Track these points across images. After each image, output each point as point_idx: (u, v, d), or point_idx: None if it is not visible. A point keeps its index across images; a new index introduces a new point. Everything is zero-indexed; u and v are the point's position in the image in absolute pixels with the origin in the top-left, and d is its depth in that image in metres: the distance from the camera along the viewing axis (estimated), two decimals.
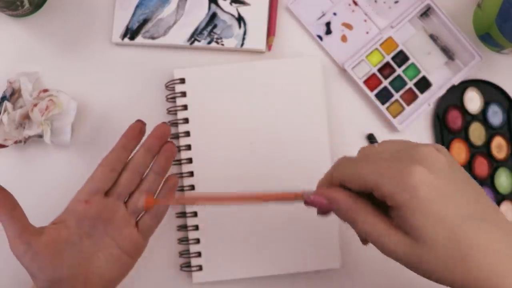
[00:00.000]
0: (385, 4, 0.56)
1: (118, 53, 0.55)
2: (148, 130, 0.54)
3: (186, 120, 0.52)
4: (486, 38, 0.56)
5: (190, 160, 0.52)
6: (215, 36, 0.54)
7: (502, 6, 0.50)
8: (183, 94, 0.53)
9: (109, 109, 0.54)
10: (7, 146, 0.51)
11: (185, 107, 0.52)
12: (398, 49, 0.55)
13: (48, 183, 0.53)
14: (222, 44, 0.54)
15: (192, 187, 0.51)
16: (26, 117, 0.51)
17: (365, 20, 0.56)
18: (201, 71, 0.53)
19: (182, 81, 0.53)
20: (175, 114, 0.53)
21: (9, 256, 0.52)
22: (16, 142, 0.51)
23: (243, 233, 0.51)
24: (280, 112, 0.52)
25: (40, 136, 0.51)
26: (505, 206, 0.54)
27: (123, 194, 0.46)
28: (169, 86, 0.53)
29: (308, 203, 0.36)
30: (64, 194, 0.53)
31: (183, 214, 0.52)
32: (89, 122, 0.54)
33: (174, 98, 0.53)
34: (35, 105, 0.50)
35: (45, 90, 0.51)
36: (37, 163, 0.53)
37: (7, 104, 0.51)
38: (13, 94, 0.52)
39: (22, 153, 0.53)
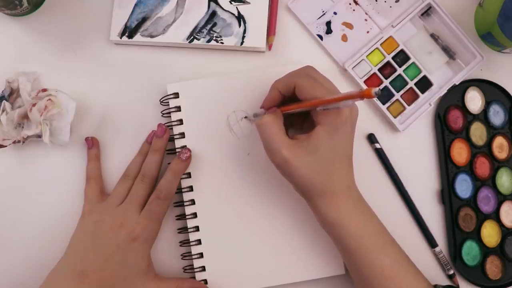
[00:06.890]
0: (386, 3, 0.56)
1: (117, 52, 0.55)
2: (148, 127, 0.53)
3: (182, 135, 0.52)
4: (488, 37, 0.55)
5: (189, 175, 0.51)
6: (215, 35, 0.54)
7: (504, 5, 0.50)
8: (178, 108, 0.52)
9: (108, 109, 0.54)
10: (5, 146, 0.51)
11: (180, 122, 0.52)
12: (399, 49, 0.55)
13: (46, 183, 0.53)
14: (222, 43, 0.54)
15: (193, 201, 0.51)
16: (25, 117, 0.51)
17: (366, 20, 0.56)
18: (194, 84, 0.52)
19: (176, 95, 0.52)
20: (171, 128, 0.52)
21: (9, 257, 0.52)
22: (14, 142, 0.51)
23: (244, 244, 0.51)
24: None
25: (39, 136, 0.50)
26: (506, 206, 0.54)
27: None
28: (164, 101, 0.52)
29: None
30: (63, 194, 0.53)
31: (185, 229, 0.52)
32: (88, 121, 0.54)
33: (169, 113, 0.52)
34: (34, 105, 0.50)
35: (44, 90, 0.51)
36: (36, 163, 0.53)
37: (5, 104, 0.51)
38: (12, 94, 0.52)
39: (21, 153, 0.53)
